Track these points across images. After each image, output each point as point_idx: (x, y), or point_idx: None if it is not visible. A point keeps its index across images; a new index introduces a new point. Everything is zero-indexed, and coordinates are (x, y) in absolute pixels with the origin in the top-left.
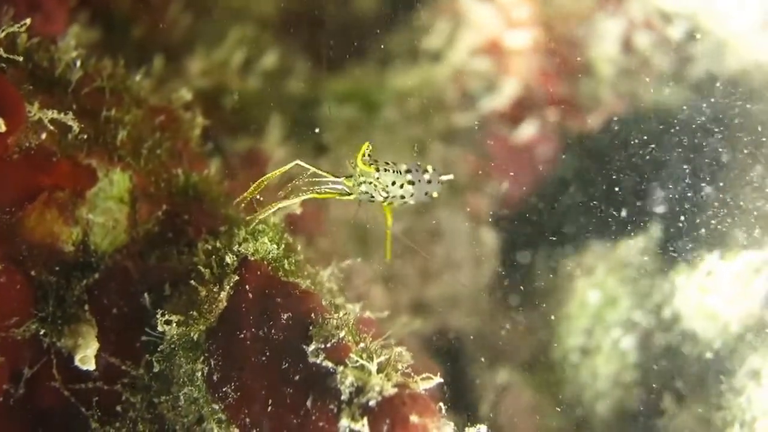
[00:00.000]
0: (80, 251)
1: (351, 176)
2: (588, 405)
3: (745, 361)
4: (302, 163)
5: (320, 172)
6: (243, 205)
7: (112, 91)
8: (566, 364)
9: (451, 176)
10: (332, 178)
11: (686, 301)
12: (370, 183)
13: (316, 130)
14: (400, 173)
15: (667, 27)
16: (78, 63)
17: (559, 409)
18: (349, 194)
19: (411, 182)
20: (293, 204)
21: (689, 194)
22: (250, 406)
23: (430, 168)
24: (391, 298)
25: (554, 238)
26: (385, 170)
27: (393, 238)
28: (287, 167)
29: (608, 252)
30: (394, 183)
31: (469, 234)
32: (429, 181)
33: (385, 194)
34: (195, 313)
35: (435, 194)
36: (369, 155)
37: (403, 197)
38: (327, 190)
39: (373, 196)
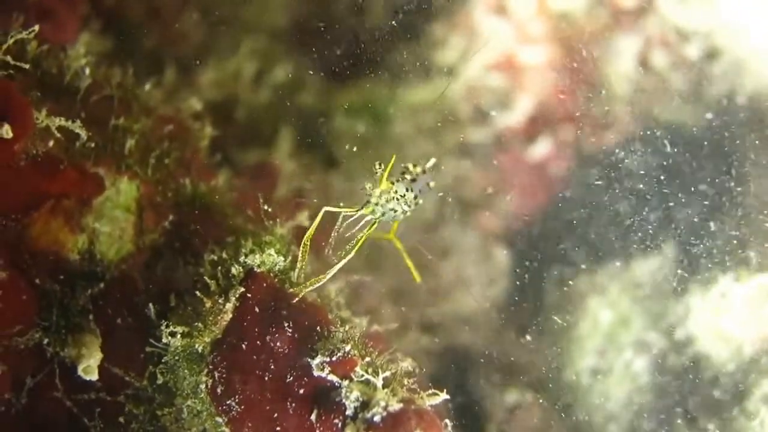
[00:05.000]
0: (86, 260)
1: (367, 203)
2: (599, 427)
3: (759, 385)
4: (330, 209)
5: (347, 211)
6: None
7: (121, 100)
8: (577, 385)
9: (433, 159)
10: (359, 214)
11: (700, 323)
12: (394, 198)
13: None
14: (405, 179)
15: (684, 45)
16: (87, 71)
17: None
18: (379, 219)
19: (413, 179)
20: (346, 261)
21: (704, 215)
22: (254, 420)
23: (412, 165)
24: (400, 315)
25: (567, 257)
26: (398, 180)
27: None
28: (318, 219)
29: (622, 272)
30: (407, 190)
31: (481, 251)
32: (423, 171)
33: (409, 205)
34: (200, 325)
35: (432, 183)
36: (377, 173)
37: (416, 197)
38: (366, 231)
39: (396, 210)
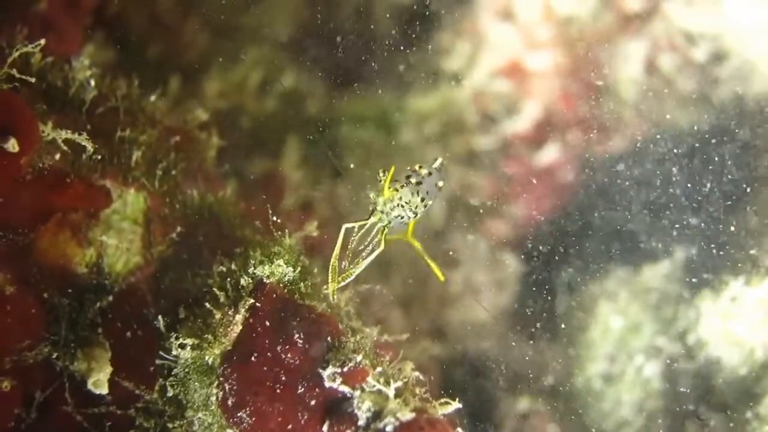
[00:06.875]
0: (94, 273)
1: (373, 211)
2: None
3: None
4: (347, 225)
5: (361, 224)
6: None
7: (127, 111)
8: (589, 391)
9: (440, 160)
10: (369, 223)
11: (711, 327)
12: (398, 205)
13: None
14: (410, 183)
15: (692, 48)
16: (92, 83)
17: None
18: (387, 226)
19: (419, 182)
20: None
21: (714, 219)
22: None
23: (417, 167)
24: (410, 323)
25: (577, 263)
26: (402, 187)
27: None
28: (340, 240)
29: (632, 277)
30: (413, 194)
31: (490, 258)
32: (429, 173)
33: (416, 211)
34: (210, 337)
35: (441, 183)
36: (381, 180)
37: (423, 199)
38: (384, 236)
39: (402, 216)
